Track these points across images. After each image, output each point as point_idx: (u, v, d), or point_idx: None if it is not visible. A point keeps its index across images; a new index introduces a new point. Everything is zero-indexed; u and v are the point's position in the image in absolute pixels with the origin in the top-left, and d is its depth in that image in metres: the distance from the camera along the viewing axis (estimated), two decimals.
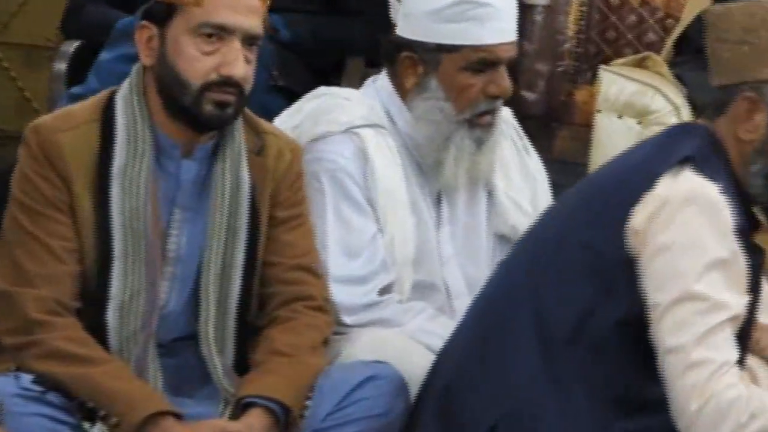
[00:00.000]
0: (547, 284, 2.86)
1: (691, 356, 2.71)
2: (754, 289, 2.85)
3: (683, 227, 2.76)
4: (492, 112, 3.32)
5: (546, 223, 3.01)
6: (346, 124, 3.33)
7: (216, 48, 3.00)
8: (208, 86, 3.00)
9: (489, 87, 3.30)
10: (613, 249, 2.80)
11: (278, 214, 3.19)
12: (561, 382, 2.82)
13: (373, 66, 3.55)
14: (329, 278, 3.25)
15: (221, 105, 3.02)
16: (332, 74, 4.14)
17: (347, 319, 3.27)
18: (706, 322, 2.72)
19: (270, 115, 3.48)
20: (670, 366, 2.74)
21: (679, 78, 3.94)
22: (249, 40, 3.03)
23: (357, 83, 3.68)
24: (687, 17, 4.02)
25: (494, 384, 2.88)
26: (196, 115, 3.03)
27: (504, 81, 3.31)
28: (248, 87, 3.06)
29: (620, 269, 2.80)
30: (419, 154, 3.37)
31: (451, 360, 2.99)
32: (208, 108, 3.01)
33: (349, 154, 3.31)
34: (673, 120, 3.81)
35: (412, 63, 3.33)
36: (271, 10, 4.00)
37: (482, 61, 3.28)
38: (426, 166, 3.39)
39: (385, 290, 3.30)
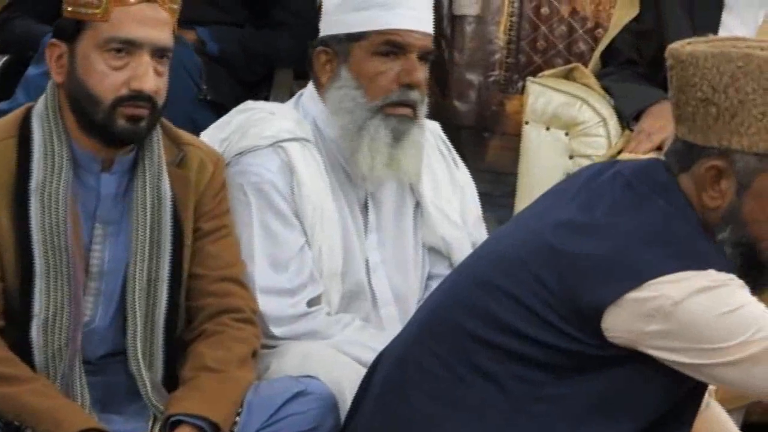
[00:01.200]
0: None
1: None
2: None
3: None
4: (409, 104, 3.30)
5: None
6: (272, 138, 3.32)
7: (125, 63, 3.01)
8: (119, 101, 3.01)
9: (401, 75, 3.28)
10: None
11: (202, 226, 3.17)
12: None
13: (301, 78, 3.53)
14: (257, 290, 3.24)
15: (134, 119, 3.02)
16: (261, 87, 4.14)
17: (276, 331, 3.24)
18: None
19: (198, 128, 3.49)
20: None
21: (607, 89, 3.96)
22: (159, 52, 3.03)
23: (286, 95, 3.75)
24: (614, 29, 4.04)
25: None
26: (109, 131, 3.03)
27: (416, 71, 3.28)
28: (161, 100, 3.06)
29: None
30: (344, 160, 3.36)
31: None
32: (121, 123, 3.02)
33: (275, 168, 3.30)
34: (600, 131, 3.82)
35: (327, 58, 3.34)
36: (198, 23, 4.01)
37: (389, 43, 3.27)
38: (353, 174, 3.38)
39: (313, 302, 3.29)
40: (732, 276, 2.66)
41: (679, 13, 3.89)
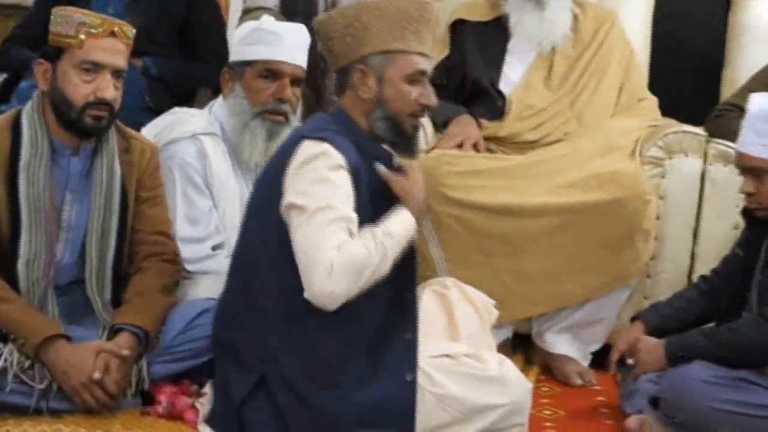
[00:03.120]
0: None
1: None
2: (378, 202, 2.77)
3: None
4: (281, 113, 3.30)
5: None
6: (191, 132, 3.32)
7: (93, 78, 3.00)
8: (87, 105, 3.01)
9: (275, 92, 3.30)
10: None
11: (142, 195, 3.17)
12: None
13: (216, 94, 3.53)
14: (178, 239, 3.23)
15: (97, 119, 3.02)
16: (188, 99, 4.10)
17: (190, 268, 3.24)
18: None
19: (142, 127, 3.45)
20: None
21: None
22: (116, 73, 3.04)
23: (206, 106, 3.65)
24: None
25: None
26: (79, 126, 3.03)
27: (286, 90, 3.30)
28: (117, 106, 3.06)
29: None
30: (238, 152, 3.35)
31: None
32: (88, 121, 3.02)
33: (193, 154, 3.30)
34: (420, 133, 3.78)
35: (229, 76, 3.37)
36: (144, 54, 4.02)
37: (268, 70, 3.30)
38: (244, 163, 3.36)
39: (217, 247, 3.29)
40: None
41: (475, 55, 3.91)
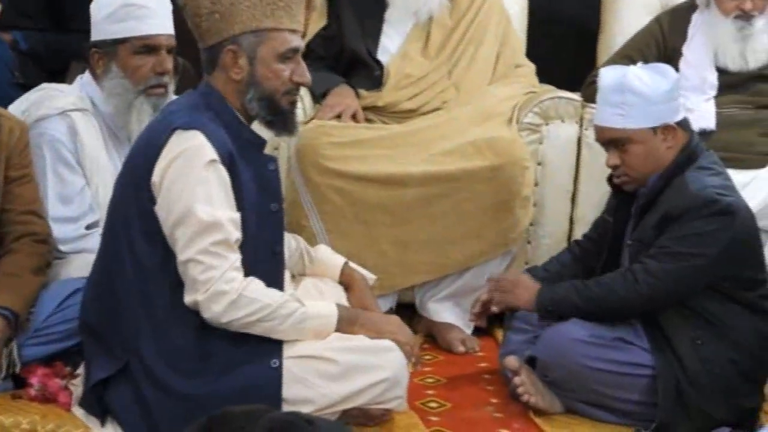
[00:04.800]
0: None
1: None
2: (254, 189, 2.73)
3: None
4: (162, 85, 3.24)
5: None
6: (61, 109, 3.23)
7: None
8: None
9: (155, 66, 3.23)
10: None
11: (11, 174, 3.08)
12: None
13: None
14: (49, 219, 3.16)
15: None
16: (60, 74, 3.97)
17: (63, 248, 3.17)
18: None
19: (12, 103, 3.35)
20: None
21: None
22: None
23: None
24: (310, 35, 3.89)
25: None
26: None
27: (165, 62, 3.24)
28: None
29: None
30: (114, 126, 3.28)
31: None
32: None
33: (64, 130, 3.21)
34: (299, 105, 3.71)
35: (99, 56, 3.27)
36: (14, 28, 3.89)
37: (145, 46, 3.22)
38: (122, 137, 3.29)
39: (91, 226, 3.22)
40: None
41: (353, 25, 3.88)
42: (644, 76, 3.02)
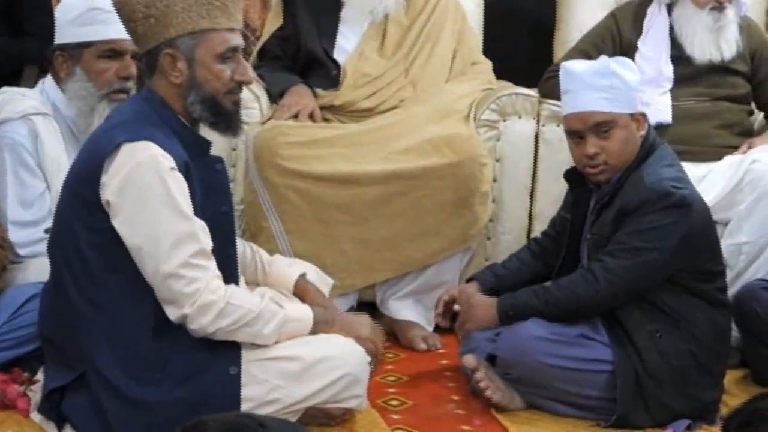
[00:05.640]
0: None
1: None
2: (207, 193, 2.70)
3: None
4: (125, 91, 3.23)
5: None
6: (22, 113, 3.22)
7: None
8: None
9: (119, 71, 3.22)
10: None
11: None
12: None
13: (44, 73, 3.41)
14: (8, 223, 3.14)
15: None
16: (14, 78, 3.92)
17: (22, 252, 3.15)
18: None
19: None
20: None
21: (260, 76, 3.87)
22: None
23: (32, 85, 3.58)
24: (266, 35, 3.97)
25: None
26: None
27: (129, 67, 3.22)
28: None
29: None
30: (76, 130, 3.27)
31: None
32: None
33: (25, 134, 3.20)
34: (255, 105, 3.78)
35: (63, 60, 3.25)
36: None
37: (110, 50, 3.22)
38: (83, 140, 3.20)
39: (49, 230, 3.06)
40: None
41: (309, 25, 3.87)
42: (621, 64, 3.05)
